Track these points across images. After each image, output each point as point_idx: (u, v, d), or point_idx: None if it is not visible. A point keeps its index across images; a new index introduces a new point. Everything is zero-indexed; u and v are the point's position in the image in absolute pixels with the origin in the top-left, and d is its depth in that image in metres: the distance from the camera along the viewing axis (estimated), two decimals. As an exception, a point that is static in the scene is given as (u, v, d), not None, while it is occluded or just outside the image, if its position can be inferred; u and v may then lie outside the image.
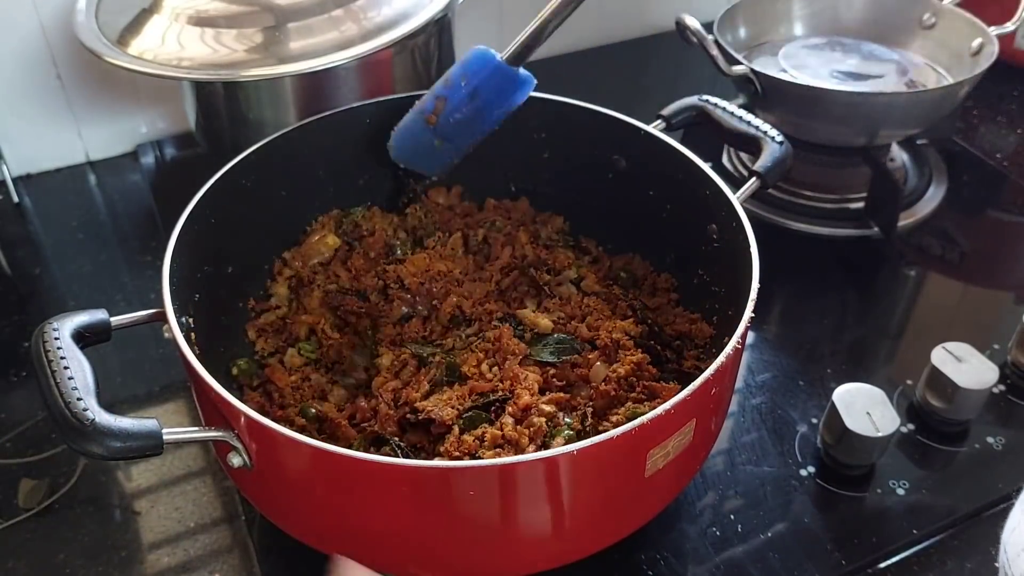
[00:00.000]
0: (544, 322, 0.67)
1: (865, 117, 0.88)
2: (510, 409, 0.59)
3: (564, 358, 0.65)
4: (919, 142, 1.02)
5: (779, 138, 0.69)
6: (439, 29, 0.86)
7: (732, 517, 0.65)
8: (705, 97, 0.74)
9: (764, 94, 0.89)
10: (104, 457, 0.47)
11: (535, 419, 0.59)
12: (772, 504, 0.66)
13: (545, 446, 0.58)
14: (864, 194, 0.93)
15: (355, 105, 0.74)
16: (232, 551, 0.63)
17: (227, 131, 0.86)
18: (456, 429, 0.58)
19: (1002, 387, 0.74)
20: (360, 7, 0.78)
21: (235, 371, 0.67)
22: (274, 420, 0.54)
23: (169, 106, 1.01)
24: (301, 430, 0.62)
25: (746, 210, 0.63)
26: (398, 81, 0.85)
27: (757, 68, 0.88)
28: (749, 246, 0.59)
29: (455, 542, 0.52)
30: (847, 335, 0.82)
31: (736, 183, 0.78)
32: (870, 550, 0.63)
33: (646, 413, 0.48)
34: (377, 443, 0.61)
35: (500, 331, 0.65)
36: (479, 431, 0.58)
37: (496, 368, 0.63)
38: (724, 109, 0.72)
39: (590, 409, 0.61)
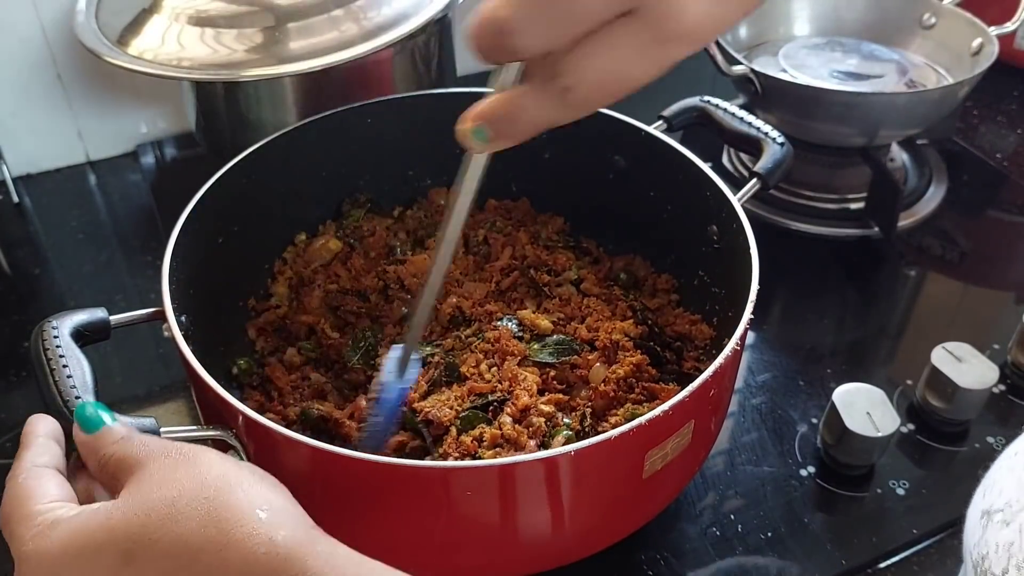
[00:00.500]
0: (543, 323, 0.67)
1: (865, 117, 0.88)
2: (509, 410, 0.59)
3: (563, 359, 0.65)
4: (919, 142, 1.02)
5: (780, 139, 0.69)
6: (439, 29, 0.86)
7: (732, 517, 0.65)
8: (706, 98, 0.74)
9: (764, 94, 0.89)
10: (103, 456, 0.47)
11: (534, 419, 0.59)
12: (772, 504, 0.66)
13: (544, 446, 0.58)
14: (864, 194, 0.93)
15: (355, 105, 0.74)
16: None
17: (227, 131, 0.86)
18: (454, 430, 0.58)
19: (1002, 387, 0.74)
20: (360, 7, 0.78)
21: (235, 370, 0.67)
22: (273, 419, 0.55)
23: (169, 106, 1.01)
24: (301, 429, 0.62)
25: (746, 210, 0.63)
26: (398, 81, 0.85)
27: (757, 68, 0.88)
28: (749, 248, 0.59)
29: (455, 542, 0.52)
30: (847, 335, 0.82)
31: (736, 184, 0.79)
32: (870, 550, 0.63)
33: (645, 414, 0.48)
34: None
35: (499, 332, 0.65)
36: (477, 431, 0.58)
37: (495, 369, 0.63)
38: (725, 110, 0.72)
39: (589, 410, 0.61)
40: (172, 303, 0.55)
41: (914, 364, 0.74)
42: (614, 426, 0.54)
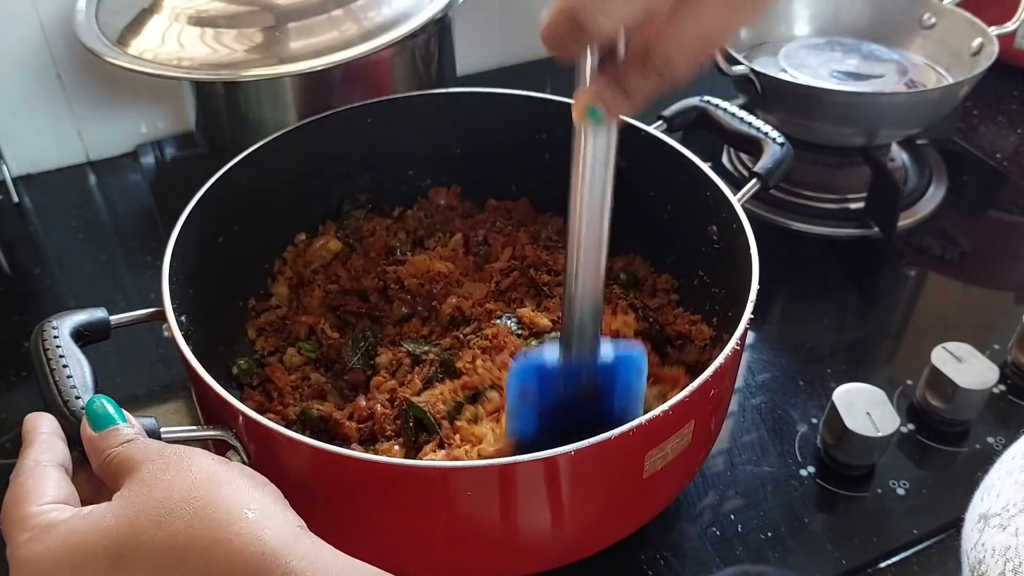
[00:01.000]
0: (543, 321, 0.67)
1: (865, 117, 0.88)
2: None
3: None
4: (919, 142, 1.02)
5: (780, 139, 0.69)
6: (439, 29, 0.86)
7: (732, 517, 0.65)
8: (706, 98, 0.74)
9: (764, 94, 0.89)
10: (103, 456, 0.47)
11: None
12: (772, 504, 0.66)
13: None
14: (864, 194, 0.93)
15: (355, 105, 0.74)
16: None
17: (227, 131, 0.86)
18: (446, 423, 0.59)
19: (1002, 387, 0.74)
20: (360, 7, 0.78)
21: (235, 371, 0.68)
22: (273, 419, 0.55)
23: (169, 106, 1.01)
24: (301, 430, 0.62)
25: (746, 210, 0.63)
26: (398, 81, 0.85)
27: (757, 68, 0.88)
28: (749, 248, 0.59)
29: (454, 542, 0.52)
30: (847, 335, 0.82)
31: (736, 183, 0.79)
32: (870, 550, 0.63)
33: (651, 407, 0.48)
34: (375, 443, 0.61)
35: (498, 328, 0.66)
36: (469, 416, 0.58)
37: (490, 363, 0.64)
38: (725, 110, 0.72)
39: None
40: (172, 303, 0.55)
41: (914, 364, 0.74)
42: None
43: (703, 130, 0.74)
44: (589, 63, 0.40)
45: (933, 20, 1.00)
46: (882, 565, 0.62)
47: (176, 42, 0.76)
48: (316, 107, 0.74)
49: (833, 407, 0.66)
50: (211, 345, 0.64)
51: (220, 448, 0.52)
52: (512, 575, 0.55)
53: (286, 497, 0.44)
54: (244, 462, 0.51)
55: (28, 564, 0.39)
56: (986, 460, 0.69)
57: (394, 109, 0.75)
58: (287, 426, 0.58)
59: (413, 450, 0.59)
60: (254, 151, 0.69)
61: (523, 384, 0.53)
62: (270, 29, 0.76)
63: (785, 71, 0.95)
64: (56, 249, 0.91)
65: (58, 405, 0.47)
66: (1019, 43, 1.11)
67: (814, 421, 0.72)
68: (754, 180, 0.67)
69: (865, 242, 0.91)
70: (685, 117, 0.74)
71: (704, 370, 0.51)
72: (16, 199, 0.96)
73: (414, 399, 0.61)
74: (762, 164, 0.68)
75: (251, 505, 0.40)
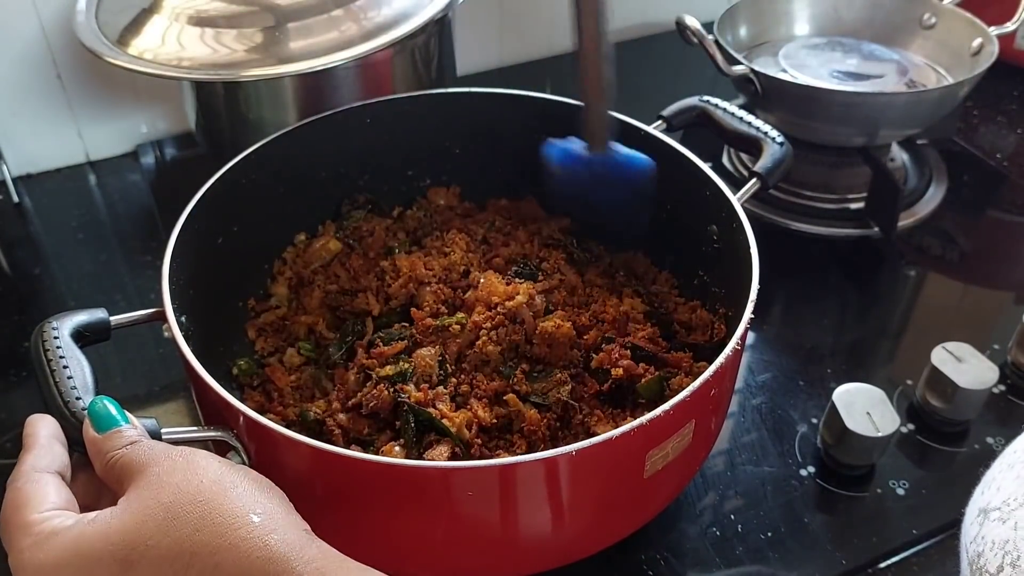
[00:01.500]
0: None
1: (865, 117, 0.88)
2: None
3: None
4: (919, 142, 1.02)
5: (780, 139, 0.69)
6: (439, 29, 0.86)
7: (732, 517, 0.65)
8: (706, 98, 0.74)
9: (764, 94, 0.89)
10: (103, 457, 0.46)
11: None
12: (772, 504, 0.66)
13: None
14: (864, 194, 0.93)
15: (355, 105, 0.74)
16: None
17: (227, 131, 0.86)
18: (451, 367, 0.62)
19: (1002, 387, 0.74)
20: (360, 7, 0.78)
21: (235, 371, 0.68)
22: (274, 420, 0.55)
23: (169, 106, 1.01)
24: (301, 430, 0.62)
25: (746, 210, 0.63)
26: (398, 81, 0.85)
27: (757, 68, 0.88)
28: (749, 248, 0.59)
29: (455, 542, 0.52)
30: (847, 335, 0.82)
31: (736, 183, 0.79)
32: (870, 550, 0.63)
33: (644, 415, 0.48)
34: (361, 443, 0.61)
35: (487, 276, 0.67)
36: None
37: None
38: (725, 110, 0.72)
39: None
40: (172, 303, 0.55)
41: (914, 364, 0.74)
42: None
43: (703, 130, 0.74)
44: None
45: (933, 20, 1.00)
46: (882, 565, 0.62)
47: (176, 42, 0.76)
48: (316, 107, 0.75)
49: (833, 407, 0.66)
50: (211, 345, 0.64)
51: (220, 449, 0.52)
52: (512, 575, 0.55)
53: (287, 496, 0.44)
54: (244, 463, 0.51)
55: (32, 571, 0.39)
56: (986, 460, 0.68)
57: (394, 109, 0.75)
58: (287, 427, 0.58)
59: (415, 450, 0.59)
60: (254, 151, 0.69)
61: (551, 153, 0.70)
62: (270, 29, 0.76)
63: (785, 71, 0.95)
64: (56, 249, 0.91)
65: (58, 406, 0.47)
66: (1019, 43, 1.11)
67: (814, 421, 0.72)
68: (754, 180, 0.67)
69: (865, 242, 0.91)
70: (685, 117, 0.74)
71: (710, 354, 0.51)
72: (16, 199, 0.96)
73: (414, 398, 0.61)
74: (762, 164, 0.68)
75: (257, 509, 0.40)
